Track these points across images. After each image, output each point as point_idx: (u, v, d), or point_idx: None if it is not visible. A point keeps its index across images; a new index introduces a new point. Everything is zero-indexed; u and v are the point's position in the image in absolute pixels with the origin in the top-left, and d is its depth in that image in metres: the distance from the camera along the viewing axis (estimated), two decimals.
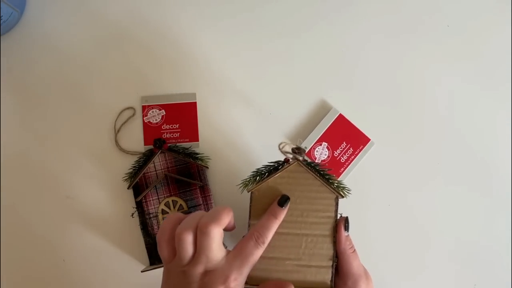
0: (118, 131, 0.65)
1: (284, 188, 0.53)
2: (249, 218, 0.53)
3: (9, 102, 0.66)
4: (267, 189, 0.53)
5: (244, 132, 0.67)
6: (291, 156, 0.54)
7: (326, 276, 0.52)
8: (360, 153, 0.67)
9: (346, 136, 0.67)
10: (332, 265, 0.52)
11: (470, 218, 0.68)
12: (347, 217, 0.53)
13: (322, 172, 0.53)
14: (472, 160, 0.69)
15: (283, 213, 0.51)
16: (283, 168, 0.53)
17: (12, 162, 0.65)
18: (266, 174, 0.55)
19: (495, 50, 0.71)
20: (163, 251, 0.48)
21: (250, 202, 0.53)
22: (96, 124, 0.66)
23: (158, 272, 0.63)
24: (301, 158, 0.53)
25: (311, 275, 0.52)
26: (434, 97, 0.69)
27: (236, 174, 0.66)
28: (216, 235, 0.46)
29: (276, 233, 0.52)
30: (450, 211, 0.68)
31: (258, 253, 0.48)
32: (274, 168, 0.55)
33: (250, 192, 0.54)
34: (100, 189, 0.65)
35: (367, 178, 0.67)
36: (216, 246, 0.47)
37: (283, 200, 0.51)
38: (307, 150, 0.65)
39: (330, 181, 0.53)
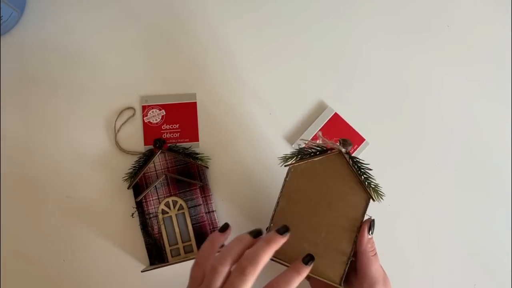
0: (118, 131, 0.65)
1: (320, 174, 0.53)
2: (280, 192, 0.54)
3: (9, 102, 0.66)
4: (304, 170, 0.54)
5: (244, 132, 0.67)
6: (336, 145, 0.53)
7: (337, 272, 0.52)
8: (355, 152, 0.67)
9: (341, 135, 0.66)
10: (346, 264, 0.52)
11: (470, 218, 0.68)
12: (373, 220, 0.53)
13: (362, 170, 0.53)
14: (472, 160, 0.68)
15: (306, 271, 0.49)
16: (325, 153, 0.53)
17: (13, 162, 0.65)
18: (307, 156, 0.55)
19: (495, 51, 0.71)
20: (198, 272, 0.48)
21: (286, 177, 0.54)
22: (96, 124, 0.66)
23: (158, 272, 0.63)
24: (344, 150, 0.53)
25: (323, 266, 0.52)
26: (432, 97, 0.69)
27: (236, 174, 0.66)
28: (250, 281, 0.45)
29: (297, 214, 0.53)
30: (449, 211, 0.68)
31: None
32: (316, 153, 0.55)
33: (287, 168, 0.54)
34: (100, 189, 0.65)
35: None
36: None
37: (308, 259, 0.50)
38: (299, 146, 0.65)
39: (368, 181, 0.53)
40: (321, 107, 0.68)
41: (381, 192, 0.53)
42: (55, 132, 0.65)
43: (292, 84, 0.68)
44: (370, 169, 0.54)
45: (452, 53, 0.70)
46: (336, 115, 0.67)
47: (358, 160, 0.54)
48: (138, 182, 0.63)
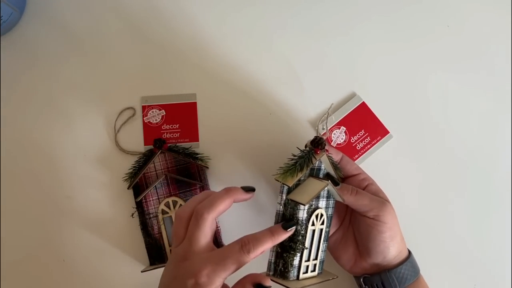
0: (118, 131, 0.65)
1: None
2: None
3: (9, 102, 0.66)
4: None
5: (244, 132, 0.67)
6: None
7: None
8: (377, 143, 0.67)
9: (366, 125, 0.67)
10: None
11: (470, 217, 0.67)
12: (327, 173, 0.57)
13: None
14: (473, 160, 0.68)
15: (284, 236, 0.50)
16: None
17: (12, 162, 0.65)
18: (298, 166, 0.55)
19: (495, 50, 0.70)
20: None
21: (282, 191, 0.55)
22: (96, 124, 0.66)
23: (158, 272, 0.63)
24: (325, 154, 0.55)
25: None
26: (431, 97, 0.69)
27: (236, 174, 0.66)
28: (204, 224, 0.47)
29: None
30: (451, 211, 0.67)
31: (241, 259, 0.46)
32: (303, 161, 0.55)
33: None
34: (100, 189, 0.65)
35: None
36: (201, 235, 0.47)
37: (288, 225, 0.51)
38: (325, 132, 0.66)
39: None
40: (350, 96, 0.68)
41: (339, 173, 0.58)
42: (55, 132, 0.65)
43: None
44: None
45: (452, 53, 0.70)
46: (363, 104, 0.67)
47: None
48: (138, 182, 0.62)
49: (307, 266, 0.55)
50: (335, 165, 0.58)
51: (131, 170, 0.63)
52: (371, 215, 0.55)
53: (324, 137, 0.57)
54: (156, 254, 0.62)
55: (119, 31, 0.68)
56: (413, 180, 0.68)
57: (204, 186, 0.63)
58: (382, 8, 0.70)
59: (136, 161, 0.63)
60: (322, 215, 0.56)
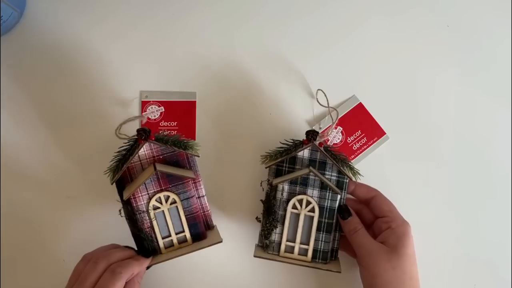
0: (119, 129, 0.64)
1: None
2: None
3: (9, 102, 0.67)
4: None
5: (243, 132, 0.67)
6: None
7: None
8: (374, 144, 0.67)
9: (363, 125, 0.67)
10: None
11: (470, 217, 0.68)
12: (341, 205, 0.59)
13: (337, 156, 0.59)
14: (472, 160, 0.68)
15: (147, 262, 0.57)
16: (300, 148, 0.58)
17: (13, 162, 0.66)
18: (284, 153, 0.59)
19: (495, 50, 0.70)
20: (80, 266, 0.55)
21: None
22: (96, 123, 0.66)
23: (156, 270, 0.63)
24: (316, 143, 0.57)
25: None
26: (432, 97, 0.69)
27: (234, 174, 0.66)
28: (119, 282, 0.52)
29: None
30: (449, 210, 0.67)
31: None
32: (291, 148, 0.59)
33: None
34: (100, 189, 0.65)
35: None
36: None
37: (148, 255, 0.58)
38: (321, 131, 0.67)
39: (345, 164, 0.59)
40: (347, 97, 0.68)
41: (357, 171, 0.61)
42: (55, 131, 0.66)
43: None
44: (343, 154, 0.59)
45: (452, 53, 0.69)
46: (360, 105, 0.66)
47: (330, 148, 0.59)
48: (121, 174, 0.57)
49: (293, 247, 0.58)
50: (337, 157, 0.59)
51: (112, 163, 0.58)
52: (361, 262, 0.57)
53: (326, 134, 0.62)
54: (147, 247, 0.59)
55: (119, 30, 0.68)
56: (409, 181, 0.68)
57: (195, 179, 0.59)
58: (380, 9, 0.69)
59: (117, 152, 0.58)
60: (309, 202, 0.57)
